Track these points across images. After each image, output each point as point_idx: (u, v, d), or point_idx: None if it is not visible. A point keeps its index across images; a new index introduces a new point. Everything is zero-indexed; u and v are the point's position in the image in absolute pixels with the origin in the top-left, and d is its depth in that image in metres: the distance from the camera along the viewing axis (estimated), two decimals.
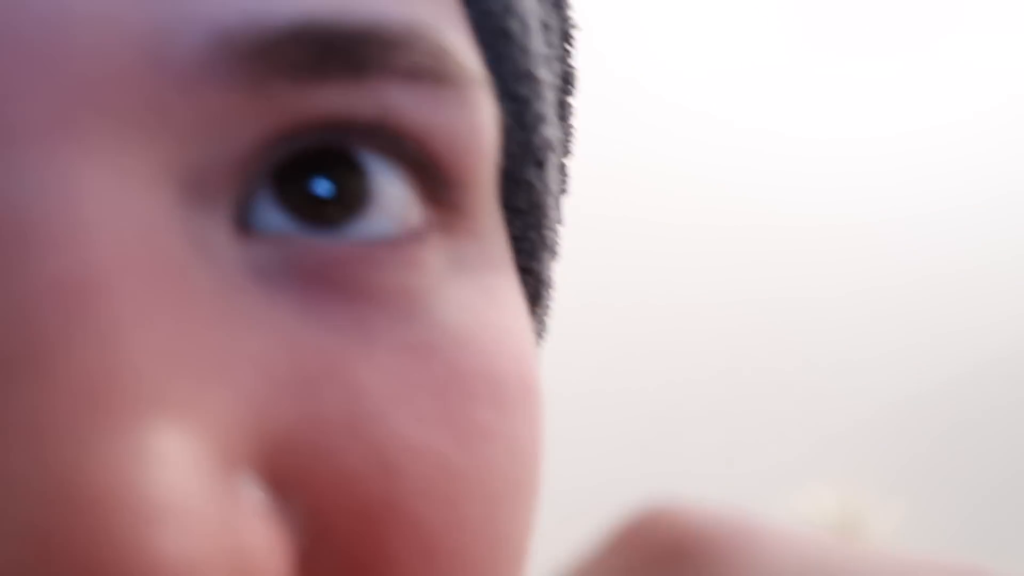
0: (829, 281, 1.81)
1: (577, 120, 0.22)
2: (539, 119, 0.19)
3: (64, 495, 0.10)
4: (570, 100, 0.21)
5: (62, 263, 0.11)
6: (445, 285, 0.15)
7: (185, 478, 0.10)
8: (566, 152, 0.21)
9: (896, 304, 1.83)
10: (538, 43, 0.19)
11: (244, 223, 0.14)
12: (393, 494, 0.13)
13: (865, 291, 1.83)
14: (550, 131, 0.20)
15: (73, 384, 0.10)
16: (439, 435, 0.14)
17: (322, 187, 0.14)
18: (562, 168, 0.21)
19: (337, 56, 0.13)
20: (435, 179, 0.15)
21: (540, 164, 0.20)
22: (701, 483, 1.16)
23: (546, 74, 0.19)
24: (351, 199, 0.15)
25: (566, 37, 0.20)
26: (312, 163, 0.14)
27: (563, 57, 0.21)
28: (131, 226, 0.12)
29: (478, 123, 0.16)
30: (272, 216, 0.14)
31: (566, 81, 0.21)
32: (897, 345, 1.86)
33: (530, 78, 0.19)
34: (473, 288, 0.16)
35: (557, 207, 0.21)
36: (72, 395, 0.10)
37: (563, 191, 0.21)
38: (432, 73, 0.15)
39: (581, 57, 0.21)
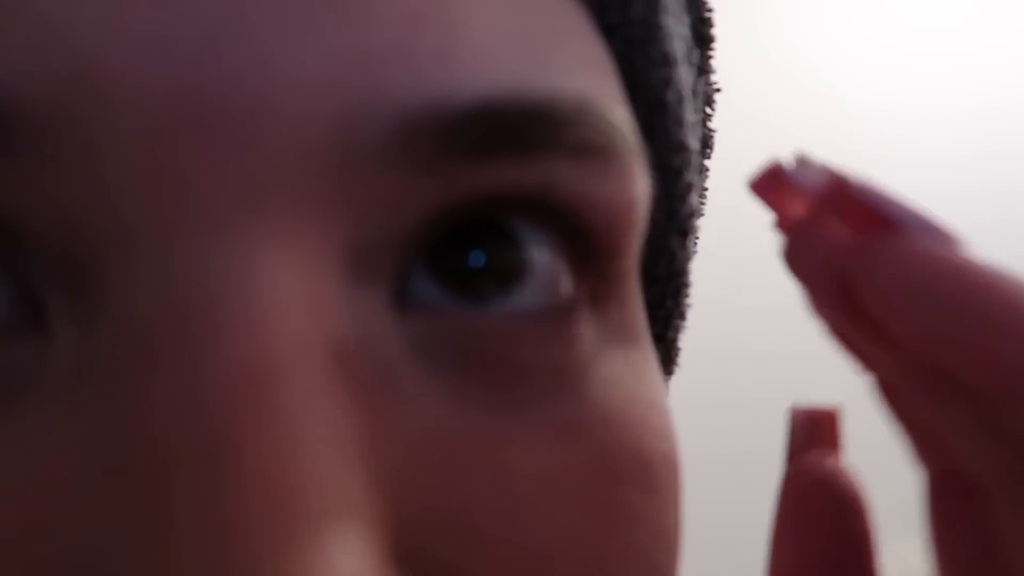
0: None
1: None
2: (687, 188, 0.19)
3: None
4: (707, 163, 0.21)
5: (244, 350, 0.11)
6: (594, 360, 0.15)
7: None
8: (700, 215, 0.21)
9: None
10: (689, 113, 0.19)
11: (402, 296, 0.14)
12: None
13: None
14: (695, 199, 0.20)
15: (256, 485, 0.10)
16: (588, 520, 0.14)
17: (476, 259, 0.14)
18: (696, 232, 0.21)
19: (512, 135, 0.13)
20: (588, 251, 0.15)
21: (684, 233, 0.20)
22: None
23: (694, 142, 0.19)
24: (505, 271, 0.14)
25: (709, 102, 0.20)
26: (466, 234, 0.14)
27: (704, 121, 0.21)
28: (307, 310, 0.12)
29: (634, 195, 0.15)
30: (427, 288, 0.14)
31: (705, 145, 0.21)
32: None
33: (682, 149, 0.18)
34: (620, 362, 0.16)
35: (689, 272, 0.21)
36: (255, 498, 0.10)
37: (694, 254, 0.21)
38: (598, 149, 0.14)
39: None
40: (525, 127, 0.14)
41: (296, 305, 0.12)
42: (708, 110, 0.21)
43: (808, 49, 1.91)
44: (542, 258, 0.15)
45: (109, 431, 0.11)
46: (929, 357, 0.15)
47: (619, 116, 0.15)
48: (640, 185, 0.16)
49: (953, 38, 1.96)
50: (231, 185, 0.12)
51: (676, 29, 0.18)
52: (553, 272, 0.15)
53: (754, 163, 1.80)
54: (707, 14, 0.20)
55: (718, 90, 0.21)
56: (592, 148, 0.14)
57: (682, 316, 0.21)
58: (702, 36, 0.20)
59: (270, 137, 0.12)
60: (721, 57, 1.82)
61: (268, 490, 0.10)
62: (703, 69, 0.20)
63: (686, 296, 0.21)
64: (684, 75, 0.18)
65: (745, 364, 1.73)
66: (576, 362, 0.15)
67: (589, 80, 0.15)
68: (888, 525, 1.65)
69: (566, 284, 0.15)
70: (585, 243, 0.15)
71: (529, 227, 0.15)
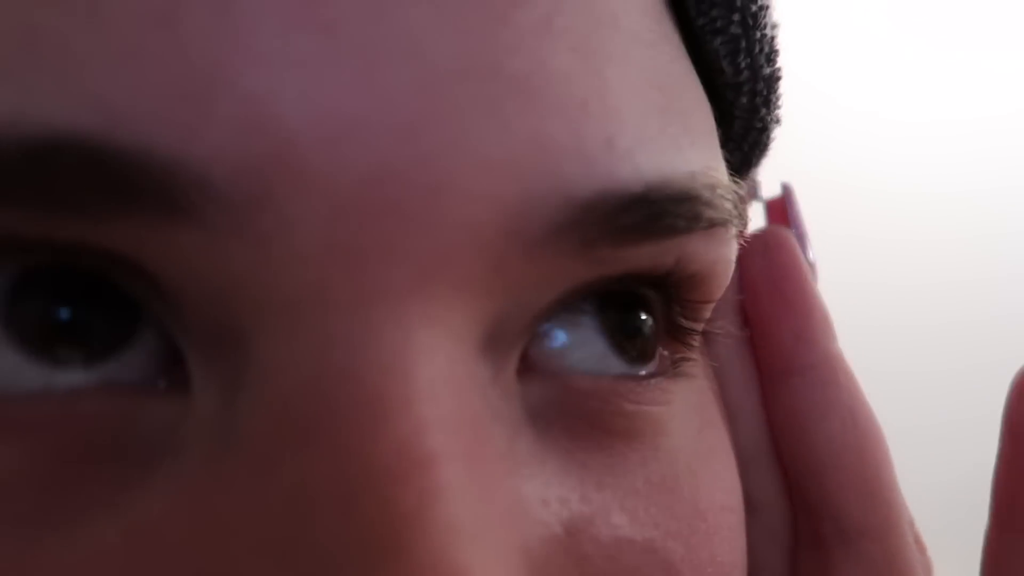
0: None
1: None
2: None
3: None
4: None
5: (402, 435, 0.12)
6: (681, 417, 0.16)
7: None
8: None
9: None
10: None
11: (524, 358, 0.14)
12: None
13: None
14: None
15: (430, 568, 0.11)
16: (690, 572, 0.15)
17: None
18: None
19: (660, 221, 0.14)
20: (686, 312, 0.16)
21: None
22: None
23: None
24: (627, 341, 0.15)
25: None
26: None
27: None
28: (455, 391, 0.12)
29: (732, 256, 0.16)
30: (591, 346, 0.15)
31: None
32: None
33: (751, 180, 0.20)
34: (698, 418, 0.17)
35: None
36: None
37: None
38: (722, 222, 0.15)
39: None
40: (673, 211, 0.14)
41: (446, 384, 0.12)
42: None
43: (806, 55, 1.88)
44: (647, 323, 0.16)
45: (263, 510, 0.11)
46: None
47: (729, 184, 0.16)
48: (735, 245, 0.16)
49: (947, 54, 1.96)
50: (400, 263, 0.12)
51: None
52: (653, 334, 0.16)
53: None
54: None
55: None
56: (719, 222, 0.15)
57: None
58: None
59: (448, 219, 0.12)
60: None
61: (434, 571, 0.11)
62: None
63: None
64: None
65: None
66: (668, 419, 0.16)
67: (711, 153, 0.15)
68: None
69: (659, 345, 0.16)
70: (685, 305, 0.16)
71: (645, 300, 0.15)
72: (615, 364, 0.15)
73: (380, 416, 0.12)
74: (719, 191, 0.15)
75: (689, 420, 0.16)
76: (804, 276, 0.20)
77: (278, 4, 0.12)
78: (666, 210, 0.14)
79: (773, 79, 0.18)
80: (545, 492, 0.13)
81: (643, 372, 0.16)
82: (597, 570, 0.14)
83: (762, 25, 0.17)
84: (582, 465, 0.14)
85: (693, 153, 0.15)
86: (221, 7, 0.12)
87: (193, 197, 0.11)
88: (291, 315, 0.12)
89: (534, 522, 0.13)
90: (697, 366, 0.17)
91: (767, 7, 0.17)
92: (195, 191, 0.11)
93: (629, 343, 0.15)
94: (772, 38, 0.17)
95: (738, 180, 0.18)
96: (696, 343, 0.17)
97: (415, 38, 0.12)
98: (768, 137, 0.19)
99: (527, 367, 0.14)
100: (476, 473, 0.12)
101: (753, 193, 0.22)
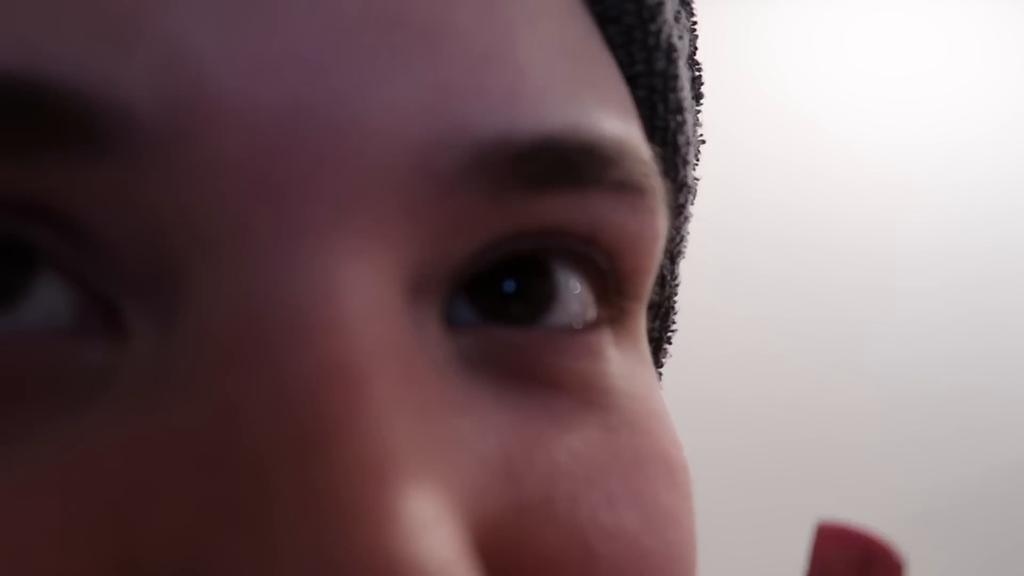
0: None
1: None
2: (686, 220, 0.21)
3: (372, 564, 0.10)
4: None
5: (330, 352, 0.12)
6: (616, 375, 0.16)
7: (452, 552, 0.11)
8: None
9: None
10: (692, 155, 0.20)
11: (446, 319, 0.15)
12: None
13: None
14: (688, 227, 0.21)
15: (351, 465, 0.11)
16: (631, 518, 0.15)
17: (509, 287, 0.15)
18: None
19: (567, 169, 0.14)
20: (616, 281, 0.16)
21: (674, 259, 0.21)
22: None
23: (694, 182, 0.21)
24: (536, 300, 0.16)
25: (697, 123, 0.22)
26: (502, 267, 0.15)
27: (695, 165, 0.22)
28: (379, 320, 0.13)
29: (659, 230, 0.17)
30: (464, 313, 0.15)
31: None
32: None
33: (687, 187, 0.20)
34: (636, 378, 0.17)
35: (676, 299, 0.22)
36: (351, 474, 0.11)
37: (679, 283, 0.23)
38: (636, 185, 0.16)
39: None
40: (577, 161, 0.15)
41: (373, 314, 0.13)
42: (698, 155, 0.22)
43: (796, 81, 1.95)
44: (573, 291, 0.16)
45: (195, 428, 0.12)
46: None
47: (649, 156, 0.16)
48: (663, 220, 0.17)
49: (926, 81, 2.01)
50: (318, 198, 0.13)
51: (686, 80, 0.20)
52: (581, 302, 0.16)
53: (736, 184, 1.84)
54: (698, 72, 0.21)
55: (703, 141, 0.22)
56: (631, 185, 0.15)
57: (669, 341, 0.23)
58: (697, 91, 0.22)
59: (360, 157, 0.13)
60: (716, 85, 1.86)
61: (363, 468, 0.11)
62: (699, 97, 0.21)
63: (674, 323, 0.22)
64: (691, 122, 0.20)
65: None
66: (603, 374, 0.16)
67: (625, 124, 0.16)
68: None
69: (591, 310, 0.16)
70: (615, 274, 0.16)
71: (564, 263, 0.16)
72: (536, 325, 0.16)
73: (308, 336, 0.12)
74: (630, 153, 0.15)
75: (622, 377, 0.16)
76: None
77: None
78: (570, 160, 0.14)
79: (669, 76, 0.18)
80: (479, 426, 0.14)
81: (578, 328, 0.16)
82: (535, 500, 0.14)
83: (659, 19, 0.18)
84: (515, 407, 0.15)
85: (604, 118, 0.15)
86: None
87: (116, 133, 0.12)
88: (216, 250, 0.12)
89: (469, 450, 0.13)
90: (637, 336, 0.18)
91: (662, 3, 0.18)
92: (118, 127, 0.12)
93: (550, 306, 0.16)
94: (669, 35, 0.18)
95: (658, 154, 0.18)
96: (633, 310, 0.17)
97: None
98: (676, 139, 0.19)
99: (455, 324, 0.15)
100: (407, 395, 0.13)
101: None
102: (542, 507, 0.14)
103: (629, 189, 0.15)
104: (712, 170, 1.91)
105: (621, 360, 0.17)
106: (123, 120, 0.12)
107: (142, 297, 0.13)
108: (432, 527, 0.11)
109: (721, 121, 1.97)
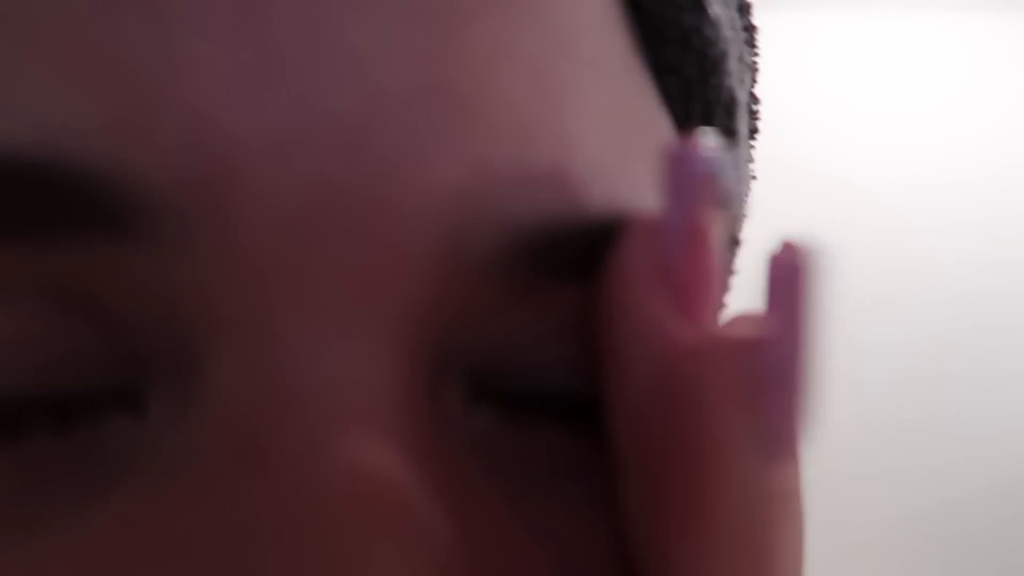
0: None
1: None
2: (731, 273, 0.20)
3: None
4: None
5: (346, 457, 0.11)
6: None
7: None
8: None
9: None
10: (746, 203, 0.19)
11: (471, 396, 0.14)
12: None
13: None
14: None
15: None
16: None
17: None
18: None
19: (589, 256, 0.13)
20: None
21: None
22: None
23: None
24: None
25: (751, 159, 0.21)
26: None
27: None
28: (405, 417, 0.12)
29: None
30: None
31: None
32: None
33: (737, 244, 0.19)
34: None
35: None
36: None
37: None
38: None
39: None
40: (597, 249, 0.13)
41: (395, 411, 0.12)
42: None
43: (802, 126, 1.97)
44: None
45: (206, 532, 0.11)
46: None
47: None
48: None
49: (934, 117, 2.03)
50: (343, 283, 0.12)
51: (744, 127, 0.19)
52: None
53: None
54: (756, 107, 0.20)
55: (754, 177, 0.22)
56: None
57: None
58: (753, 125, 0.20)
59: (390, 241, 0.12)
60: None
61: None
62: (750, 156, 0.21)
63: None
64: (746, 178, 0.19)
65: None
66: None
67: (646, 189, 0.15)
68: None
69: None
70: None
71: None
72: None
73: (323, 440, 0.11)
74: None
75: None
76: None
77: (213, 14, 0.12)
78: (592, 248, 0.13)
79: (728, 131, 0.17)
80: (489, 524, 0.13)
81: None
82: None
83: (721, 71, 0.17)
84: (511, 496, 0.13)
85: (654, 190, 0.14)
86: (155, 18, 0.12)
87: (140, 213, 0.11)
88: (237, 334, 0.12)
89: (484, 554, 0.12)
90: None
91: (726, 54, 0.17)
92: (140, 207, 0.11)
93: None
94: (731, 87, 0.17)
95: None
96: None
97: (357, 54, 0.12)
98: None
99: (478, 395, 0.14)
100: (426, 513, 0.12)
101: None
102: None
103: None
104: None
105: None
106: (145, 201, 0.11)
107: (161, 377, 0.12)
108: None
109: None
